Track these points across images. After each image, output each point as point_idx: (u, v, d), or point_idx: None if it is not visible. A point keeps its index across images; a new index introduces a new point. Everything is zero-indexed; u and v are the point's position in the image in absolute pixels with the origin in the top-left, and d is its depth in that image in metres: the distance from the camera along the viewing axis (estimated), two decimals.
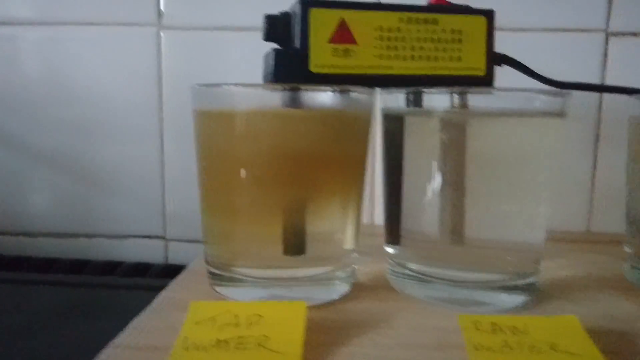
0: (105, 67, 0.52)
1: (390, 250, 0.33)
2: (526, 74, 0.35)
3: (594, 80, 0.50)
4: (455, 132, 0.31)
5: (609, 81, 0.49)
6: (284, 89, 0.29)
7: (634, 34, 0.48)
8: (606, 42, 0.49)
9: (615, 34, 0.49)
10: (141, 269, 0.49)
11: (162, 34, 0.51)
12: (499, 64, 0.35)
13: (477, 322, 0.26)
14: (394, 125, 0.32)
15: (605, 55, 0.49)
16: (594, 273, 0.37)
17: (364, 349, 0.25)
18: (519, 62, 0.35)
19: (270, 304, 0.27)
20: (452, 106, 0.31)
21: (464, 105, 0.31)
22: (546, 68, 0.46)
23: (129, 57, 0.51)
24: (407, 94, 0.30)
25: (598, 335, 0.26)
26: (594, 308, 0.31)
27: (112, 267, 0.50)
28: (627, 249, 0.35)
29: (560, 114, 0.32)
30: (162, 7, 0.51)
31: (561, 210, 0.50)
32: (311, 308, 0.29)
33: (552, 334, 0.25)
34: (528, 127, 0.32)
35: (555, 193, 0.32)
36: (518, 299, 0.31)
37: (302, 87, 0.29)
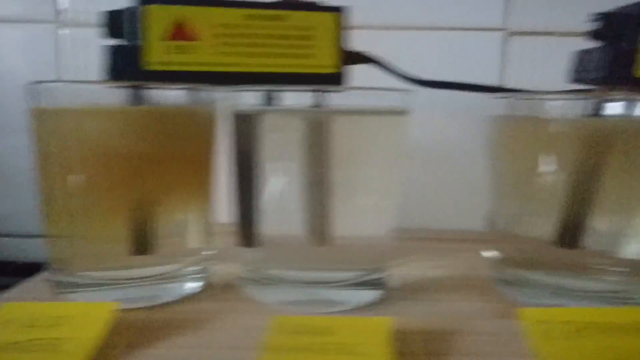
0: None
1: (243, 253, 0.32)
2: (388, 71, 0.35)
3: (494, 78, 0.50)
4: (307, 130, 0.31)
5: (509, 79, 0.49)
6: (120, 86, 0.28)
7: (532, 33, 0.48)
8: (505, 41, 0.49)
9: (514, 33, 0.49)
10: None
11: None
12: (360, 62, 0.34)
13: (285, 323, 0.26)
14: (246, 124, 0.32)
15: (504, 54, 0.49)
16: (460, 273, 0.37)
17: (169, 351, 0.25)
18: (379, 61, 0.35)
19: (76, 305, 0.27)
20: (309, 104, 0.31)
21: (318, 103, 0.31)
22: (448, 66, 0.46)
23: None
24: (261, 92, 0.30)
25: (418, 335, 0.27)
26: (437, 307, 0.31)
27: None
28: (489, 251, 0.35)
29: (403, 112, 0.32)
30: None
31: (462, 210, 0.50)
32: (143, 308, 0.29)
33: (356, 336, 0.25)
34: (374, 124, 0.32)
35: (399, 189, 0.32)
36: (368, 296, 0.32)
37: (138, 84, 0.28)
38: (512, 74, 0.49)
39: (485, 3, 0.48)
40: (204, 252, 0.33)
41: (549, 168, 0.31)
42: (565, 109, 0.31)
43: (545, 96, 0.31)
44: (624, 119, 0.30)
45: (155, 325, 0.28)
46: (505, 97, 0.31)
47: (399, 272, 0.36)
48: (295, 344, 0.24)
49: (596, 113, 0.31)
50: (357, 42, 0.43)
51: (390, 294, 0.33)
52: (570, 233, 0.32)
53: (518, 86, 0.49)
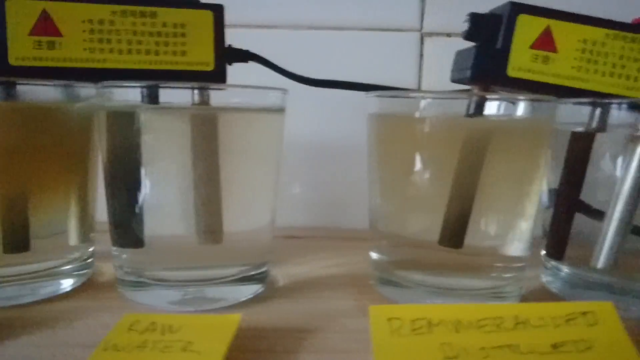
0: None
1: (120, 254, 0.32)
2: (272, 69, 0.35)
3: (411, 79, 0.50)
4: (184, 128, 0.31)
5: (425, 80, 0.49)
6: None
7: (447, 35, 0.48)
8: (421, 42, 0.49)
9: (430, 34, 0.49)
10: None
11: None
12: (244, 60, 0.34)
13: (135, 322, 0.25)
14: (121, 122, 0.31)
15: (421, 55, 0.49)
16: (344, 271, 0.37)
17: (19, 350, 0.25)
18: (264, 59, 0.35)
19: None
20: (191, 102, 0.31)
21: (197, 101, 0.31)
22: (367, 66, 0.46)
23: None
24: (140, 88, 0.29)
25: (273, 332, 0.27)
26: (310, 305, 0.31)
27: None
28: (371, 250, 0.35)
29: (280, 110, 0.32)
30: None
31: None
32: (15, 307, 0.29)
33: (200, 333, 0.25)
34: (252, 122, 0.32)
35: (277, 186, 0.32)
36: (247, 292, 0.32)
37: (3, 79, 0.28)
38: (429, 75, 0.49)
39: (402, 4, 0.49)
40: (83, 250, 0.33)
41: (421, 167, 0.31)
42: (438, 107, 0.31)
43: (413, 94, 0.31)
44: (498, 119, 0.31)
45: (18, 323, 0.28)
46: (380, 96, 0.31)
47: (284, 270, 0.36)
48: (135, 341, 0.24)
49: (474, 112, 0.31)
50: (280, 40, 0.44)
51: (271, 291, 0.33)
52: (448, 232, 0.32)
53: (435, 87, 0.49)
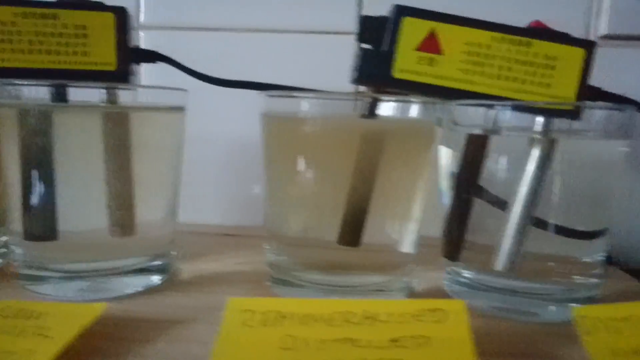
0: None
1: (22, 247, 0.33)
2: (182, 70, 0.36)
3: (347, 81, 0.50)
4: (97, 126, 0.32)
5: None
6: None
7: None
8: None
9: None
10: None
11: None
12: (152, 61, 0.36)
13: (5, 308, 0.27)
14: (31, 120, 0.33)
15: None
16: (248, 268, 0.38)
17: None
18: (172, 60, 0.36)
19: None
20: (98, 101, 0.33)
21: (112, 100, 0.33)
22: (304, 69, 0.47)
23: None
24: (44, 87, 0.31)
25: (140, 322, 0.28)
26: (197, 299, 0.32)
27: None
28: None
29: (181, 109, 0.33)
30: None
31: None
32: None
33: (60, 320, 0.26)
34: (155, 120, 0.33)
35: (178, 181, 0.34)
36: (140, 283, 0.33)
37: None
38: None
39: (338, 7, 0.49)
40: None
41: (305, 168, 0.31)
42: (324, 107, 0.32)
43: (299, 94, 0.32)
44: (381, 119, 0.31)
45: None
46: (271, 95, 0.32)
47: (193, 265, 0.37)
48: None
49: (365, 113, 0.32)
50: (220, 42, 0.44)
51: (169, 284, 0.34)
52: (347, 231, 0.32)
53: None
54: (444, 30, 0.31)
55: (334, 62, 0.50)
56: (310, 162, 0.31)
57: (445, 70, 0.31)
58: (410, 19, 0.31)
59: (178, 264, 0.37)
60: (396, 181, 0.33)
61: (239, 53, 0.50)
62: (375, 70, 0.31)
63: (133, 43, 0.35)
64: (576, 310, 0.26)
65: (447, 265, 0.35)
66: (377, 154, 0.32)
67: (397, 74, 0.31)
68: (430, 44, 0.31)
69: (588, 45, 0.31)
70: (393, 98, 0.32)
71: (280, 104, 0.32)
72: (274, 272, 0.33)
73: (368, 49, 0.32)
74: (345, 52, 0.50)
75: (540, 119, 0.32)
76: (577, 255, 0.32)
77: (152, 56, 0.35)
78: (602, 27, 0.49)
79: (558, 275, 0.32)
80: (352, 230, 0.32)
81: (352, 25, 0.50)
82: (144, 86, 0.32)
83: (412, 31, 0.31)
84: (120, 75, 0.34)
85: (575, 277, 0.32)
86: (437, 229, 0.35)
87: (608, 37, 0.49)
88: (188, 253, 0.40)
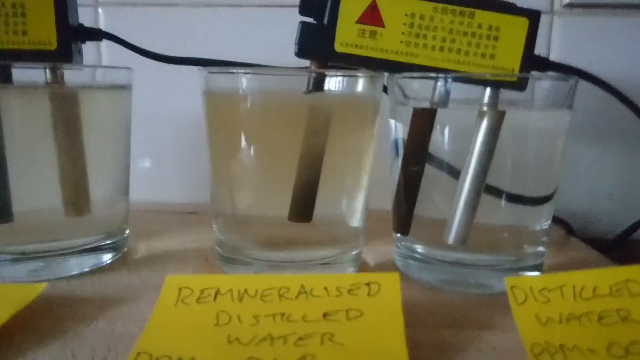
0: None
1: None
2: (129, 48, 0.36)
3: None
4: (43, 106, 0.32)
5: None
6: None
7: None
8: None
9: None
10: None
11: None
12: (98, 39, 0.35)
13: None
14: None
15: None
16: (201, 245, 0.38)
17: None
18: (117, 37, 0.35)
19: None
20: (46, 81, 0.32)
21: (55, 80, 0.32)
22: (268, 45, 0.46)
23: None
24: None
25: (89, 302, 0.28)
26: (144, 277, 0.33)
27: None
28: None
29: (126, 87, 0.33)
30: None
31: None
32: None
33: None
34: (100, 99, 0.34)
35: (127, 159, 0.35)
36: (92, 262, 0.34)
37: None
38: None
39: None
40: None
41: (246, 145, 0.31)
42: (270, 83, 0.32)
43: (239, 70, 0.31)
44: (329, 94, 0.31)
45: None
46: (212, 72, 0.32)
47: (150, 243, 0.38)
48: None
49: (311, 88, 0.31)
50: (179, 18, 0.44)
51: (121, 263, 0.34)
52: (298, 207, 0.32)
53: None
54: (384, 2, 0.31)
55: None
56: (253, 140, 0.31)
57: (387, 43, 0.31)
58: None
59: (132, 242, 0.38)
60: (343, 155, 0.33)
61: (199, 29, 0.50)
62: (317, 45, 0.31)
63: (76, 21, 0.34)
64: (508, 280, 0.26)
65: (398, 240, 0.35)
66: (322, 130, 0.32)
67: (338, 47, 0.31)
68: (371, 17, 0.31)
69: (532, 15, 0.31)
70: (337, 72, 0.32)
71: (220, 80, 0.31)
72: (222, 250, 0.33)
73: (309, 23, 0.31)
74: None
75: (487, 91, 0.31)
76: (526, 224, 0.32)
77: (98, 34, 0.35)
78: None
79: (506, 246, 0.32)
80: (304, 206, 0.32)
81: None
82: (87, 65, 0.32)
83: (353, 4, 0.31)
84: (62, 54, 0.33)
85: (524, 246, 0.33)
86: (389, 203, 0.35)
87: (571, 5, 0.48)
88: (145, 231, 0.40)
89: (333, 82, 0.32)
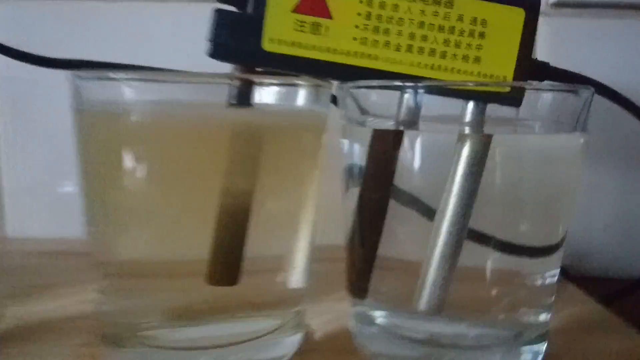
0: None
1: None
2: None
3: None
4: None
5: None
6: None
7: None
8: None
9: None
10: None
11: None
12: None
13: None
14: None
15: None
16: None
17: None
18: None
19: None
20: None
21: None
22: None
23: None
24: None
25: None
26: None
27: None
28: None
29: None
30: None
31: None
32: None
33: None
34: None
35: None
36: None
37: None
38: None
39: None
40: None
41: (147, 181, 0.22)
42: (173, 93, 0.23)
43: (123, 75, 0.22)
44: (259, 108, 0.22)
45: None
46: (83, 78, 0.22)
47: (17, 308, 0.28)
48: None
49: (236, 101, 0.23)
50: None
51: None
52: (219, 267, 0.23)
53: None
54: None
55: None
56: (152, 176, 0.22)
57: (336, 40, 0.22)
58: None
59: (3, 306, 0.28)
60: (279, 191, 0.24)
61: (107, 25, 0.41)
62: (238, 42, 0.22)
63: None
64: None
65: (353, 304, 0.26)
66: (250, 158, 0.23)
67: (268, 45, 0.22)
68: (314, 4, 0.22)
69: (530, 5, 0.23)
70: (269, 80, 0.23)
71: (97, 89, 0.22)
72: (105, 326, 0.23)
73: (227, 11, 0.22)
74: None
75: (470, 106, 0.23)
76: (524, 282, 0.24)
77: None
78: None
79: (498, 313, 0.24)
80: (226, 264, 0.23)
81: None
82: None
83: None
84: None
85: (522, 311, 0.24)
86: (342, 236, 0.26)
87: (559, 4, 0.41)
88: (17, 287, 0.30)
89: (264, 94, 0.23)
